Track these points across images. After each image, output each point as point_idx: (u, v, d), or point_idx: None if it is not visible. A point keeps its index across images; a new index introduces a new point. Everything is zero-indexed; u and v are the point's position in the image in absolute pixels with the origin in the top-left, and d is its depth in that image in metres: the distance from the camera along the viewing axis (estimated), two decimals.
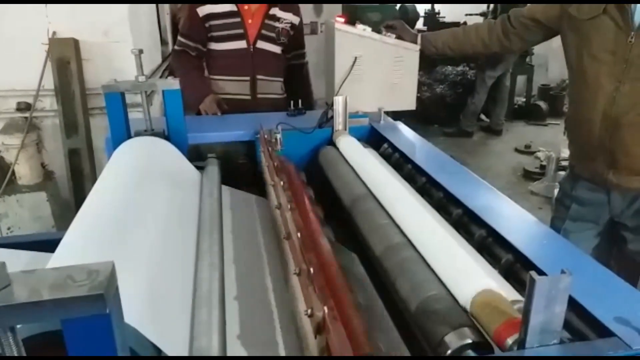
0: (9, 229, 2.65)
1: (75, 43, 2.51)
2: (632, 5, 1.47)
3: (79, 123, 2.58)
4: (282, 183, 1.21)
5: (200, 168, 1.64)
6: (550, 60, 7.42)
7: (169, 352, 0.76)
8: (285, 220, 1.06)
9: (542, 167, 4.37)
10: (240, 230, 1.35)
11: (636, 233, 1.65)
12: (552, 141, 5.16)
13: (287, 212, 1.06)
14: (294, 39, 2.36)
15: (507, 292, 0.90)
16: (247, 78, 2.27)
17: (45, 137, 2.69)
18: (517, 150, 5.06)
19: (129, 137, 1.62)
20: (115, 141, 1.59)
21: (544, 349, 0.71)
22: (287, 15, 2.28)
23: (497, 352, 0.77)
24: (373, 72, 1.91)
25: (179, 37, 2.32)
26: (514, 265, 1.02)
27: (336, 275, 0.89)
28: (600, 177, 1.64)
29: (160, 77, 3.29)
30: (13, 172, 2.63)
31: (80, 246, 0.95)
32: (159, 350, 0.76)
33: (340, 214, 1.42)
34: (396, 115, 2.04)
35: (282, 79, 2.37)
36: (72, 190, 2.67)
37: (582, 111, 1.64)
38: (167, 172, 1.42)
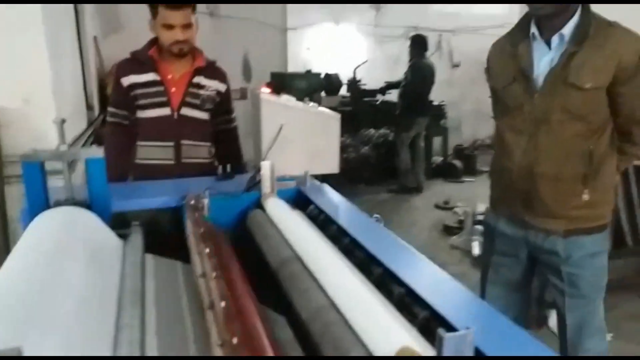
0: None
1: None
2: (534, 72, 1.77)
3: None
4: (207, 250, 1.22)
5: (123, 236, 1.60)
6: (463, 123, 8.11)
7: None
8: (209, 289, 1.06)
9: (461, 222, 4.65)
10: (164, 300, 1.32)
11: (550, 271, 1.89)
12: (469, 197, 5.54)
13: (212, 280, 1.07)
14: (221, 105, 2.43)
15: (424, 348, 0.95)
16: (171, 143, 2.29)
17: None
18: (436, 206, 5.36)
19: (48, 207, 1.57)
20: (32, 212, 1.53)
21: None
22: (212, 82, 2.36)
23: None
24: (298, 138, 2.00)
25: (109, 108, 2.35)
26: (430, 322, 1.09)
27: (262, 345, 0.90)
28: (518, 217, 1.88)
29: (85, 142, 3.21)
30: None
31: None
32: None
33: (268, 277, 1.44)
34: (325, 176, 2.13)
35: (209, 144, 2.42)
36: None
37: (502, 161, 1.92)
38: (86, 243, 1.38)
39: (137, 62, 2.27)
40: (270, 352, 0.92)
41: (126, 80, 2.25)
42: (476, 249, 4.06)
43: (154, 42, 2.28)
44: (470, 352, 0.77)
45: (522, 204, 1.85)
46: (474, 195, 5.55)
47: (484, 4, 7.63)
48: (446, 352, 0.75)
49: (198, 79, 2.31)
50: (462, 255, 4.12)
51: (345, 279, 1.17)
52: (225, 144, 2.52)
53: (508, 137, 1.87)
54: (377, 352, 0.93)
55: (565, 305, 1.91)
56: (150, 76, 2.25)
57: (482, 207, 4.86)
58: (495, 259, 2.02)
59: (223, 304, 0.99)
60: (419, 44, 5.79)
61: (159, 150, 2.30)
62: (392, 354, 0.90)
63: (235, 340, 0.86)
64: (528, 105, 1.78)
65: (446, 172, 6.46)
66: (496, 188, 2.02)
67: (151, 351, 1.08)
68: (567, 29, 1.72)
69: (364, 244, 1.42)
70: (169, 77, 2.27)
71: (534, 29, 1.78)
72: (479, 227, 4.41)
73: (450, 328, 0.98)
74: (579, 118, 1.73)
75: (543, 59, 1.77)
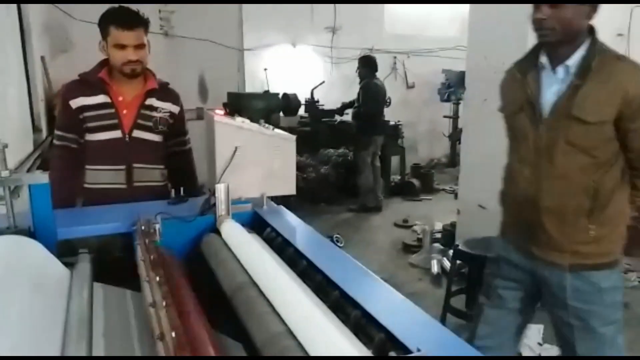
0: None
1: None
2: (541, 102, 1.75)
3: None
4: (157, 278, 1.18)
5: (70, 265, 1.53)
6: (419, 142, 8.31)
7: None
8: (159, 319, 1.02)
9: (419, 239, 4.71)
10: (113, 332, 1.26)
11: (557, 303, 1.84)
12: (427, 215, 5.64)
13: (162, 310, 1.04)
14: (174, 127, 2.39)
15: None
16: (123, 167, 2.23)
17: None
18: (396, 224, 5.43)
19: None
20: None
21: None
22: (165, 104, 2.31)
23: None
24: (253, 160, 1.98)
25: (56, 131, 2.25)
26: (386, 345, 1.08)
27: None
28: (524, 247, 1.86)
29: (32, 166, 3.07)
30: None
31: None
32: None
33: (223, 303, 1.40)
34: (283, 196, 2.10)
35: (162, 166, 2.36)
36: None
37: (509, 190, 1.92)
38: (30, 274, 1.30)
39: (87, 83, 2.21)
40: None
41: (75, 103, 2.18)
42: (435, 267, 4.12)
43: (104, 63, 2.23)
44: None
45: (528, 235, 1.82)
46: (432, 213, 5.67)
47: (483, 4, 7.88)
48: None
49: (150, 101, 2.27)
50: (422, 274, 4.17)
51: (301, 304, 1.16)
52: (179, 166, 2.47)
53: (514, 166, 1.86)
54: None
55: (574, 336, 1.80)
56: (100, 98, 2.18)
57: (439, 224, 4.97)
58: (499, 283, 1.96)
59: (173, 334, 0.95)
60: (368, 65, 5.91)
61: (110, 174, 2.22)
62: None
63: None
64: (533, 135, 1.76)
65: (404, 191, 6.57)
66: (504, 215, 1.98)
67: None
68: (573, 61, 1.70)
69: (321, 267, 1.41)
70: (120, 99, 2.21)
71: (543, 58, 1.76)
72: (437, 245, 4.50)
73: (406, 350, 0.98)
74: (583, 151, 1.69)
75: (550, 89, 1.74)
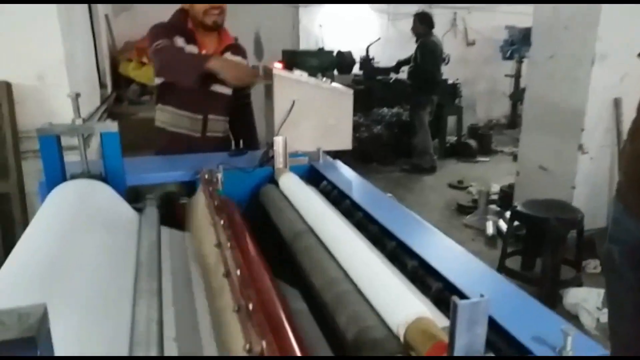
0: None
1: (7, 86, 2.44)
2: None
3: (9, 167, 2.47)
4: (221, 222, 1.23)
5: (138, 210, 1.62)
6: (478, 102, 8.00)
7: None
8: (224, 258, 1.07)
9: (474, 201, 4.62)
10: (180, 271, 1.34)
11: None
12: (483, 176, 5.49)
13: (227, 250, 1.08)
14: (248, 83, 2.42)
15: (438, 318, 0.96)
16: (200, 116, 2.32)
17: None
18: (450, 185, 5.33)
19: (65, 180, 1.59)
20: (50, 185, 1.55)
21: None
22: (237, 59, 2.36)
23: None
24: (310, 114, 1.99)
25: (154, 45, 2.18)
26: (443, 293, 1.09)
27: (276, 310, 0.91)
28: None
29: (99, 119, 3.23)
30: None
31: (8, 293, 0.92)
32: None
33: (281, 250, 1.45)
34: (336, 155, 2.12)
35: (227, 119, 2.43)
36: (1, 237, 2.52)
37: (632, 147, 1.71)
38: (103, 214, 1.40)
39: (179, 30, 2.24)
40: (284, 318, 0.93)
41: (176, 42, 2.21)
42: (490, 228, 4.04)
43: (182, 17, 2.27)
44: (484, 321, 0.77)
45: None
46: (488, 175, 5.51)
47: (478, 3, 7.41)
48: (460, 320, 0.75)
49: (227, 55, 2.32)
50: (476, 235, 4.11)
51: (359, 251, 1.17)
52: (242, 119, 2.52)
53: None
54: (391, 322, 0.94)
55: None
56: (191, 48, 2.24)
57: (495, 186, 4.83)
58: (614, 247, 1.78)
59: (238, 272, 1.00)
60: (425, 21, 5.66)
61: (188, 121, 2.32)
62: (406, 323, 0.90)
63: (250, 306, 0.87)
64: None
65: (460, 152, 6.39)
66: (627, 178, 1.78)
67: (168, 317, 1.10)
68: None
69: (377, 218, 1.42)
70: (204, 51, 2.27)
71: None
72: (493, 207, 4.40)
73: (465, 298, 0.98)
74: None
75: None
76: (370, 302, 1.02)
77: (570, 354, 0.82)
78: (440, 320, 0.94)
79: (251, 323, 0.83)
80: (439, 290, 1.09)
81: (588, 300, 2.83)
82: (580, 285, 3.08)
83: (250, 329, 0.81)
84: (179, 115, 2.32)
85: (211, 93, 2.30)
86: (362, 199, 1.57)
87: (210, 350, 0.99)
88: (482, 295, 0.76)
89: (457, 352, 0.77)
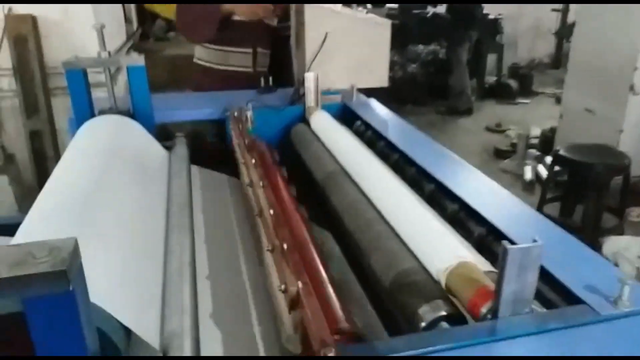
0: None
1: (33, 20, 2.39)
2: None
3: (39, 103, 2.47)
4: (253, 161, 1.18)
5: (167, 148, 1.59)
6: (520, 40, 7.54)
7: (140, 333, 0.74)
8: (257, 197, 1.03)
9: (513, 145, 4.45)
10: (211, 209, 1.32)
11: None
12: (522, 119, 5.26)
13: (259, 189, 1.04)
14: (284, 11, 2.29)
15: (481, 263, 0.90)
16: (250, 50, 2.24)
17: (4, 119, 2.57)
18: (487, 128, 5.14)
19: (93, 116, 1.56)
20: (79, 120, 1.53)
21: (516, 318, 0.72)
22: None
23: (471, 323, 0.77)
24: (344, 48, 1.87)
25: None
26: (487, 238, 1.02)
27: (310, 251, 0.87)
28: None
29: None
30: None
31: (42, 228, 0.90)
32: (128, 330, 0.73)
33: (313, 192, 1.40)
34: (368, 95, 2.02)
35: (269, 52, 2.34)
36: (35, 174, 2.57)
37: None
38: (134, 151, 1.37)
39: None
40: (317, 258, 0.89)
41: None
42: (528, 174, 3.90)
43: None
44: (536, 268, 0.71)
45: None
46: (528, 118, 5.26)
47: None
48: (510, 267, 0.69)
49: None
50: (513, 180, 3.97)
51: (395, 192, 1.11)
52: (283, 52, 2.40)
53: None
54: (431, 266, 0.89)
55: None
56: None
57: (536, 130, 4.62)
58: None
59: (271, 211, 0.96)
60: None
61: (239, 57, 2.25)
62: (447, 268, 0.85)
63: (285, 246, 0.83)
64: None
65: (499, 93, 6.09)
66: None
67: (200, 257, 1.09)
68: None
69: (415, 159, 1.34)
70: None
71: None
72: (532, 151, 4.22)
73: (511, 242, 0.91)
74: None
75: None
76: (408, 245, 0.97)
77: (626, 304, 0.76)
78: (483, 267, 0.89)
79: (286, 263, 0.79)
80: (482, 236, 1.03)
81: (629, 248, 2.72)
82: (621, 233, 2.96)
83: (285, 269, 0.78)
84: (228, 52, 2.24)
85: (259, 24, 2.20)
86: (398, 139, 1.49)
87: (244, 289, 0.98)
88: (535, 241, 0.70)
89: (505, 301, 0.71)
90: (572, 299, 0.79)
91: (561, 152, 2.97)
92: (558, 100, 6.09)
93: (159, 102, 1.71)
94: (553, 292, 0.81)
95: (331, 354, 0.62)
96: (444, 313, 0.80)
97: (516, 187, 3.88)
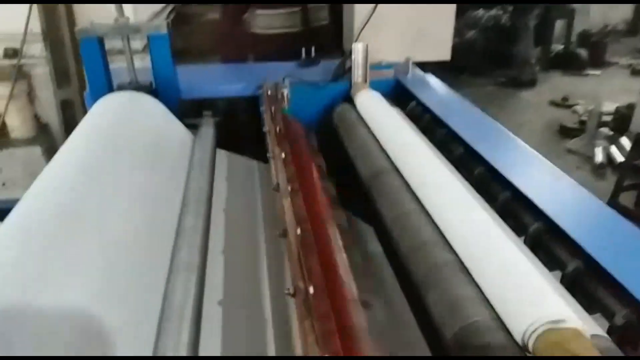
0: (3, 184, 2.49)
1: None
2: None
3: (70, 72, 2.34)
4: (283, 155, 0.96)
5: (193, 127, 1.39)
6: (592, 4, 6.81)
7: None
8: (281, 210, 0.81)
9: (582, 122, 4.01)
10: (236, 208, 1.12)
11: None
12: (593, 93, 4.74)
13: (287, 197, 0.82)
14: None
15: (583, 321, 0.65)
16: (297, 8, 1.98)
17: (36, 87, 2.47)
18: (552, 103, 4.67)
19: (111, 90, 1.39)
20: (94, 95, 1.36)
21: None
22: None
23: None
24: (399, 15, 1.60)
25: None
26: (584, 277, 0.77)
27: (345, 295, 0.65)
28: None
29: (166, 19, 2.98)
30: (5, 125, 2.43)
31: (27, 220, 0.76)
32: None
33: (356, 184, 1.17)
34: (421, 65, 1.73)
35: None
36: None
37: None
38: (150, 133, 1.18)
39: None
40: (354, 307, 0.67)
41: None
42: (599, 155, 3.49)
43: None
44: None
45: None
46: (600, 92, 4.74)
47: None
48: None
49: None
50: (581, 162, 3.58)
51: (463, 206, 0.86)
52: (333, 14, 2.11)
53: None
54: (512, 321, 0.65)
55: None
56: None
57: (609, 105, 4.14)
58: None
59: (298, 231, 0.74)
60: None
61: (284, 18, 1.99)
62: (537, 327, 0.60)
63: (311, 290, 0.62)
64: None
65: (567, 63, 5.53)
66: None
67: (216, 266, 0.90)
68: None
69: (485, 155, 1.08)
70: None
71: None
72: (604, 130, 3.78)
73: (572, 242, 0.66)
74: None
75: None
76: (479, 284, 0.73)
77: None
78: (587, 327, 0.64)
79: (310, 320, 0.57)
80: (577, 272, 0.77)
81: None
82: None
83: (308, 331, 0.56)
84: (272, 15, 1.99)
85: None
86: (463, 127, 1.23)
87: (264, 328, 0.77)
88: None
89: None
90: None
91: None
92: (634, 72, 5.48)
93: (186, 75, 1.51)
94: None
95: None
96: None
97: (584, 169, 3.49)
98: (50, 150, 2.52)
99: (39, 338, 0.56)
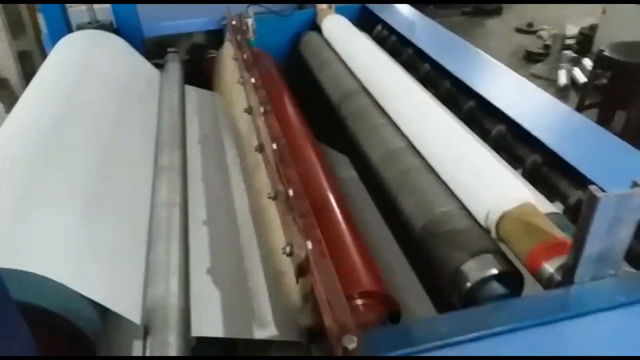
0: None
1: None
2: None
3: (24, 21, 2.22)
4: (252, 80, 0.97)
5: (159, 66, 1.37)
6: None
7: (115, 307, 0.59)
8: (257, 128, 0.84)
9: (546, 47, 4.05)
10: (209, 139, 1.13)
11: None
12: (556, 18, 4.76)
13: (260, 117, 0.84)
14: None
15: (540, 202, 0.71)
16: None
17: None
18: (517, 29, 4.68)
19: (70, 32, 1.35)
20: (53, 38, 1.32)
21: (600, 284, 0.54)
22: None
23: (533, 287, 0.60)
24: None
25: None
26: (541, 168, 0.83)
27: (327, 197, 0.69)
28: None
29: None
30: None
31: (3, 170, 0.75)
32: (101, 307, 0.59)
33: (327, 112, 1.20)
34: None
35: None
36: None
37: None
38: (115, 71, 1.16)
39: None
40: (333, 203, 0.71)
41: None
42: (563, 78, 3.56)
43: None
44: (632, 222, 0.52)
45: None
46: (563, 16, 4.76)
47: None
48: (598, 219, 0.50)
49: None
50: (546, 85, 3.64)
51: (429, 116, 0.90)
52: None
53: None
54: (477, 208, 0.70)
55: None
56: None
57: (572, 29, 4.18)
58: None
59: (274, 145, 0.77)
60: None
61: None
62: (500, 209, 0.66)
63: (291, 192, 0.65)
64: None
65: None
66: None
67: (195, 198, 0.92)
68: None
69: (451, 69, 1.11)
70: None
71: None
72: (568, 53, 3.84)
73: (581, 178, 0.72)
74: None
75: None
76: (447, 181, 0.78)
77: None
78: (542, 206, 0.70)
79: (292, 216, 0.61)
80: (537, 164, 0.83)
81: None
82: None
83: (290, 224, 0.60)
84: None
85: None
86: (429, 46, 1.25)
87: (248, 239, 0.82)
88: (635, 185, 0.50)
89: (586, 261, 0.53)
90: None
91: (606, 52, 2.63)
92: None
93: (146, 13, 1.47)
94: None
95: (353, 345, 0.46)
96: (495, 272, 0.63)
97: (550, 93, 3.57)
98: (12, 106, 2.44)
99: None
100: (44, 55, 2.29)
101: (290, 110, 1.00)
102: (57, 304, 0.54)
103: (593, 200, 0.49)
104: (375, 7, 1.56)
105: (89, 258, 0.62)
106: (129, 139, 0.97)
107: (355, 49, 1.27)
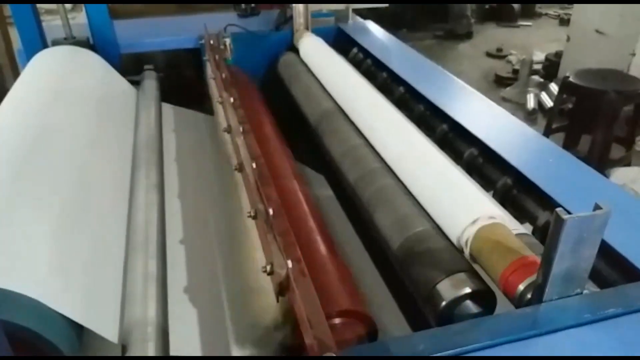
0: None
1: None
2: None
3: None
4: (232, 99, 0.98)
5: (135, 83, 1.37)
6: None
7: (92, 326, 0.58)
8: (236, 147, 0.85)
9: (515, 71, 4.19)
10: (186, 157, 1.13)
11: None
12: (525, 43, 4.96)
13: (239, 136, 0.85)
14: None
15: (510, 223, 0.74)
16: None
17: None
18: (488, 54, 4.84)
19: (46, 47, 1.34)
20: (29, 53, 1.30)
21: (567, 302, 0.57)
22: None
23: (506, 307, 0.62)
24: None
25: None
26: (512, 190, 0.86)
27: (305, 215, 0.70)
28: None
29: None
30: None
31: None
32: (77, 326, 0.58)
33: (303, 132, 1.21)
34: (361, 14, 1.76)
35: None
36: None
37: None
38: (91, 89, 1.15)
39: None
40: (315, 224, 0.73)
41: None
42: (531, 102, 3.69)
43: None
44: (595, 242, 0.55)
45: None
46: (531, 42, 4.96)
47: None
48: (565, 240, 0.53)
49: None
50: (514, 109, 3.76)
51: (404, 137, 0.93)
52: None
53: None
54: (450, 228, 0.72)
55: None
56: None
57: (539, 55, 4.35)
58: None
59: (254, 164, 0.78)
60: None
61: None
62: (471, 230, 0.68)
63: (271, 211, 0.66)
64: None
65: (500, 15, 5.71)
66: None
67: (172, 215, 0.92)
68: None
69: (425, 93, 1.14)
70: None
71: None
72: (535, 78, 3.98)
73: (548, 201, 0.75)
74: None
75: None
76: (420, 201, 0.80)
77: None
78: (512, 227, 0.73)
79: (272, 234, 0.62)
80: (507, 187, 0.86)
81: (637, 181, 2.60)
82: (629, 164, 2.82)
83: (270, 242, 0.61)
84: None
85: None
86: (403, 70, 1.28)
87: (226, 257, 0.82)
88: (598, 207, 0.53)
89: (554, 280, 0.56)
90: (633, 274, 0.63)
91: (571, 78, 2.75)
92: (563, 21, 5.73)
93: (123, 30, 1.47)
94: (608, 266, 0.65)
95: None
96: (469, 290, 0.65)
97: (518, 117, 3.67)
98: None
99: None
100: (15, 69, 2.26)
101: (269, 129, 1.02)
102: (31, 320, 0.53)
103: (559, 222, 0.52)
104: (350, 29, 1.60)
105: (62, 273, 0.61)
106: (105, 157, 0.96)
107: (331, 69, 1.29)
